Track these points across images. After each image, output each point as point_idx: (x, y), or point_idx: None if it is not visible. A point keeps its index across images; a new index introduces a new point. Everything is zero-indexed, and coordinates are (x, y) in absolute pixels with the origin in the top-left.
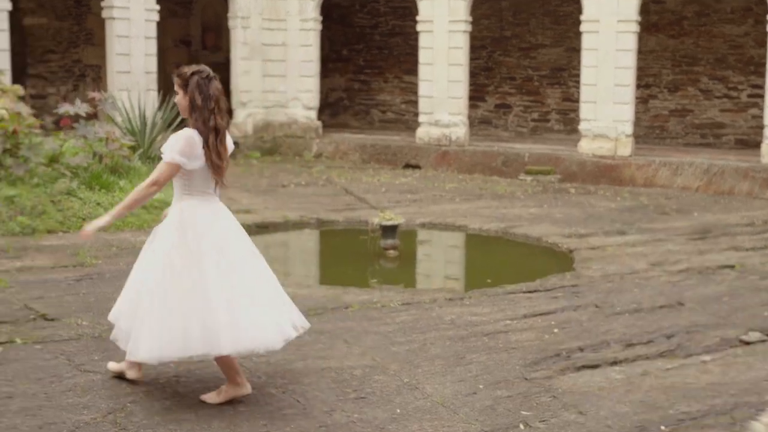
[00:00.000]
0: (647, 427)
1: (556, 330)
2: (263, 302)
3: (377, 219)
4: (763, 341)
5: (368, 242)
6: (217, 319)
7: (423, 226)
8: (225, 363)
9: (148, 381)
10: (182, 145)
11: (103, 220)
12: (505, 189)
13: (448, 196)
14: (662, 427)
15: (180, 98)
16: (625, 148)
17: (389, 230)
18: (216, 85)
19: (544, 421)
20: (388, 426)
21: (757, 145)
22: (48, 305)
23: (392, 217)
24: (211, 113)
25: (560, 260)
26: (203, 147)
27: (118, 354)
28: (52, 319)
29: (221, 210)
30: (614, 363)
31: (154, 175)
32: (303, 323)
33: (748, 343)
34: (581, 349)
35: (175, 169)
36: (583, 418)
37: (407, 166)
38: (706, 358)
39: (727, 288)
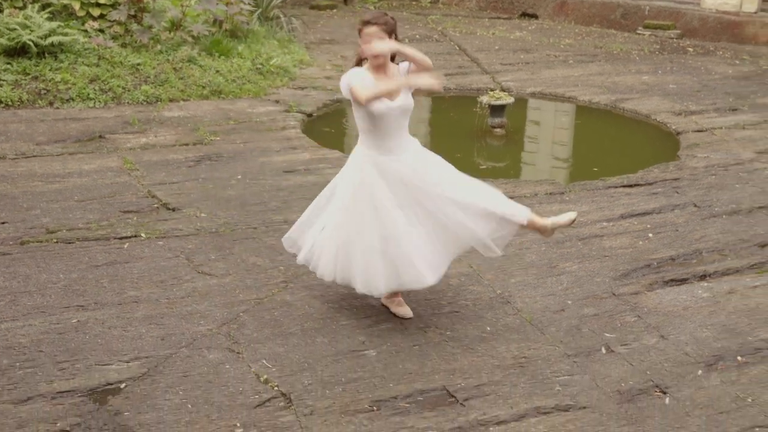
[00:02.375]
0: (724, 356)
1: (650, 235)
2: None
3: (486, 98)
4: None
5: (476, 119)
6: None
7: (533, 95)
8: None
9: (258, 287)
10: None
11: (396, 44)
12: (620, 47)
13: (561, 57)
14: (739, 358)
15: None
16: (752, 4)
17: (497, 109)
18: None
19: (625, 344)
20: (477, 346)
21: None
22: (169, 193)
23: (501, 96)
24: None
25: (666, 144)
26: None
27: (233, 252)
28: (173, 209)
29: None
30: (703, 277)
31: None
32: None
33: None
34: (672, 259)
35: None
36: (664, 343)
37: (524, 14)
38: None
39: None
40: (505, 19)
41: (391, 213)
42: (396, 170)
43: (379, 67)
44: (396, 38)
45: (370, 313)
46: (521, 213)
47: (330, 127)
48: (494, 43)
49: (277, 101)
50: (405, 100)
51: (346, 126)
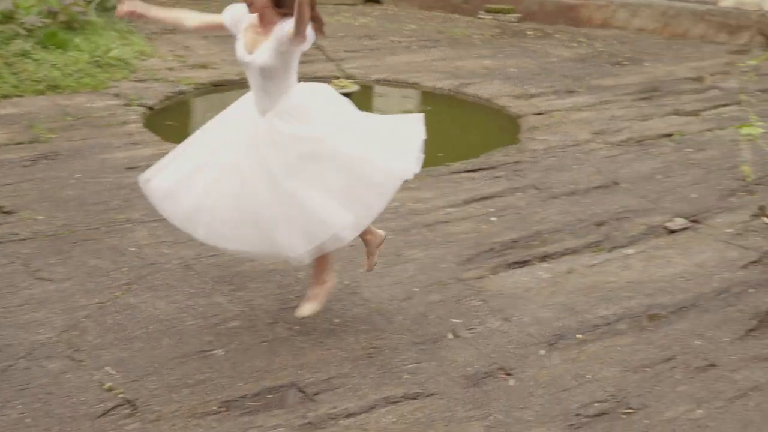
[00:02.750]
0: (564, 335)
1: (493, 219)
2: None
3: (332, 87)
4: (685, 228)
5: None
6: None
7: (378, 82)
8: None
9: (100, 291)
10: None
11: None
12: (463, 31)
13: (405, 43)
14: (578, 335)
15: None
16: None
17: (345, 97)
18: None
19: (471, 329)
20: (326, 339)
21: None
22: (3, 195)
23: (346, 84)
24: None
25: (508, 128)
26: None
27: (73, 255)
28: (8, 212)
29: None
30: (544, 258)
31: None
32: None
33: (672, 231)
34: (515, 242)
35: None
36: (508, 325)
37: (368, 1)
38: (630, 251)
39: (662, 163)
40: (349, 5)
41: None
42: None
43: (261, 17)
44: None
45: (217, 311)
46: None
47: (173, 120)
48: (339, 30)
49: (117, 95)
50: (260, 56)
51: (190, 119)
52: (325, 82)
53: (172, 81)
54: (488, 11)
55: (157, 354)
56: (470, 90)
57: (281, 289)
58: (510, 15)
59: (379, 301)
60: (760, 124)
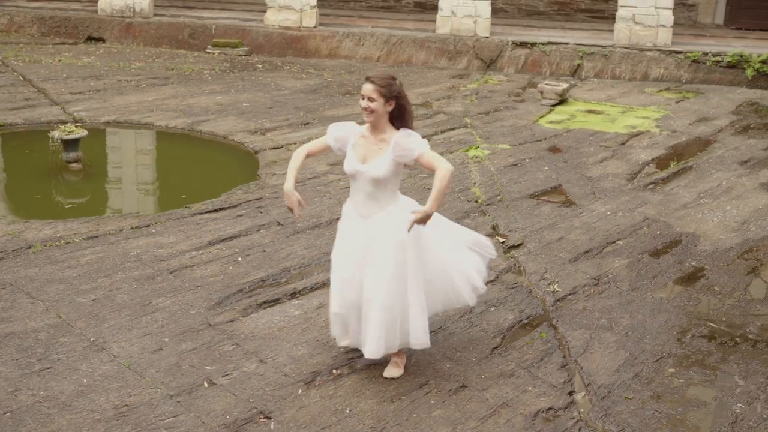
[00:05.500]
0: (320, 371)
1: (239, 259)
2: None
3: (58, 133)
4: None
5: (51, 156)
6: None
7: (108, 124)
8: None
9: None
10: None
11: (431, 208)
12: (192, 67)
13: (133, 81)
14: (334, 371)
15: (379, 105)
16: (310, 20)
17: (71, 143)
18: None
19: (227, 375)
20: (74, 402)
21: (434, 8)
22: None
23: (73, 129)
24: (412, 119)
25: (246, 164)
26: None
27: None
28: None
29: None
30: (294, 295)
31: (442, 160)
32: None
33: None
34: (263, 281)
35: None
36: (263, 367)
37: (90, 38)
38: None
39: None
40: (70, 44)
41: None
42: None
43: (374, 126)
44: (398, 104)
45: None
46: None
47: None
48: (62, 71)
49: None
50: (375, 168)
51: None
52: (52, 127)
53: None
54: (216, 45)
55: None
56: (205, 127)
57: (21, 353)
58: (238, 49)
59: (128, 356)
60: (485, 145)
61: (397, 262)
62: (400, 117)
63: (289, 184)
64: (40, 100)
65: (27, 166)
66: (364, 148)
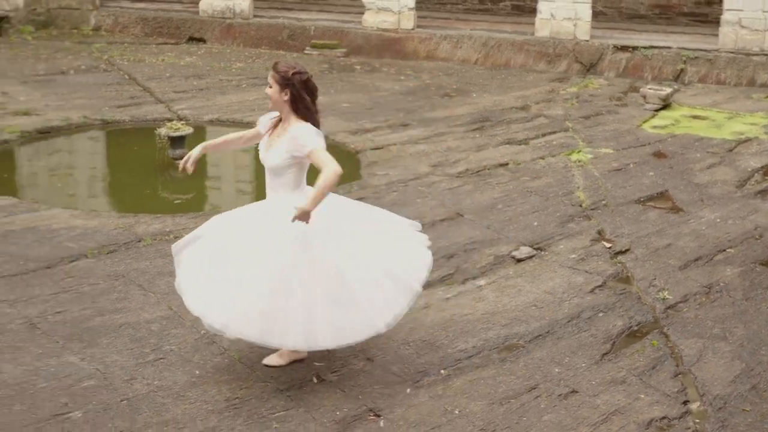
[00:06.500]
0: (428, 371)
1: None
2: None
3: (165, 130)
4: (531, 256)
5: (157, 152)
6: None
7: (211, 122)
8: None
9: None
10: (321, 136)
11: (308, 206)
12: None
13: (234, 81)
14: (442, 371)
15: (274, 92)
16: (408, 22)
17: (177, 140)
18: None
19: (335, 371)
20: (188, 392)
21: (533, 10)
22: None
23: (179, 127)
24: (317, 113)
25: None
26: None
27: None
28: None
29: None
30: None
31: (331, 160)
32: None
33: (519, 260)
34: None
35: None
36: (371, 365)
37: (191, 39)
38: (482, 282)
39: (501, 193)
40: (172, 44)
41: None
42: None
43: (281, 115)
44: (293, 93)
45: (69, 371)
46: None
47: (0, 171)
48: (165, 70)
49: None
50: (271, 157)
51: (19, 168)
52: (157, 124)
53: None
54: (314, 46)
55: (9, 421)
56: None
57: (135, 343)
58: (336, 50)
59: (238, 350)
60: (587, 150)
61: (275, 253)
62: (296, 108)
63: (202, 145)
64: (146, 98)
65: (135, 162)
66: (273, 136)
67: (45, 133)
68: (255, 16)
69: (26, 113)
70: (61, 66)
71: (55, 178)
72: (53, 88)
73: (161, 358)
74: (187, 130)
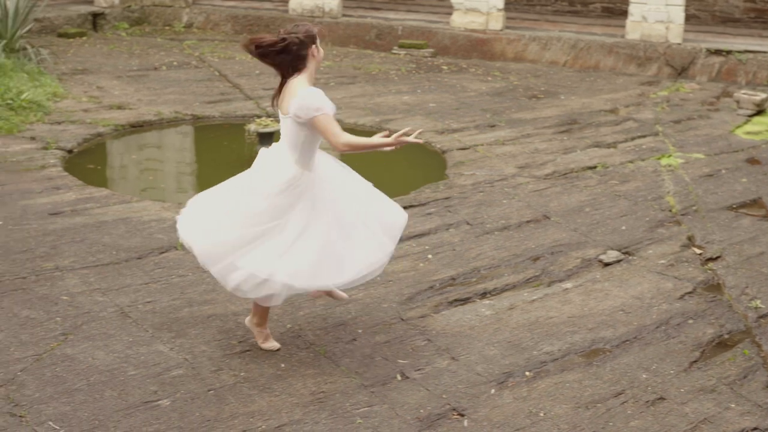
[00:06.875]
0: (513, 373)
1: (430, 256)
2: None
3: (254, 126)
4: (619, 261)
5: (246, 148)
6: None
7: None
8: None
9: (35, 342)
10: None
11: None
12: (379, 67)
13: (322, 79)
14: (527, 373)
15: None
16: (497, 22)
17: (266, 136)
18: None
19: (419, 369)
20: (273, 385)
21: (623, 13)
22: None
23: (268, 123)
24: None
25: (434, 163)
26: None
27: (2, 306)
28: None
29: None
30: (484, 295)
31: (338, 128)
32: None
33: (606, 264)
34: (453, 279)
35: None
36: (455, 364)
37: None
38: (568, 285)
39: (589, 196)
40: None
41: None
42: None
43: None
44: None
45: (159, 359)
46: None
47: (94, 163)
48: (254, 67)
49: (33, 138)
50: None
51: (112, 161)
52: (246, 120)
53: (89, 123)
54: (402, 46)
55: (101, 406)
56: (392, 126)
57: (222, 334)
58: (423, 50)
59: (323, 344)
60: (678, 154)
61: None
62: (306, 65)
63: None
64: (235, 95)
65: (224, 157)
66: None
67: (137, 127)
68: (343, 15)
69: (120, 107)
70: (153, 62)
71: (147, 172)
72: (146, 83)
73: (248, 350)
74: (276, 127)
